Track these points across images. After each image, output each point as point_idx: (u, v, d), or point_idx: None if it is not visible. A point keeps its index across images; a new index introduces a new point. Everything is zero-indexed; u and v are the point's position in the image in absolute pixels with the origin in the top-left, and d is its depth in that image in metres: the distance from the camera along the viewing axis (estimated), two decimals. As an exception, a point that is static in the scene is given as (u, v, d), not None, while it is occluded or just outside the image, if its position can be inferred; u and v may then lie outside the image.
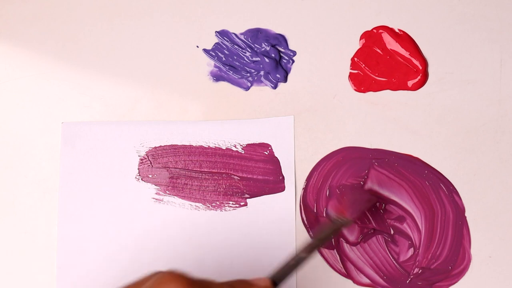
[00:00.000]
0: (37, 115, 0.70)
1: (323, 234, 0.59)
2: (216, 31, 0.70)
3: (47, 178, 0.68)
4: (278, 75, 0.69)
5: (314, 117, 0.68)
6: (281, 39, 0.70)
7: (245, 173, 0.67)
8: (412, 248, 0.65)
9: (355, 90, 0.68)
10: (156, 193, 0.67)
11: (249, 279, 0.50)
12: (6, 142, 0.69)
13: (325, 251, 0.66)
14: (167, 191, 0.67)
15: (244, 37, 0.70)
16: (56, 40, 0.71)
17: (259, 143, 0.68)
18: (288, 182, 0.67)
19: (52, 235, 0.67)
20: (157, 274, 0.45)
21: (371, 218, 0.66)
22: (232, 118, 0.69)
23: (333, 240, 0.66)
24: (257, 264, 0.66)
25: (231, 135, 0.68)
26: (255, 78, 0.69)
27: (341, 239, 0.66)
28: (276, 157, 0.67)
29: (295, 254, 0.55)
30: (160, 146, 0.68)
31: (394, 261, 0.65)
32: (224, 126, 0.68)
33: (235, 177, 0.67)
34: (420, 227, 0.65)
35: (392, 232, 0.66)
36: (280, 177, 0.67)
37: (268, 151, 0.67)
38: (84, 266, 0.66)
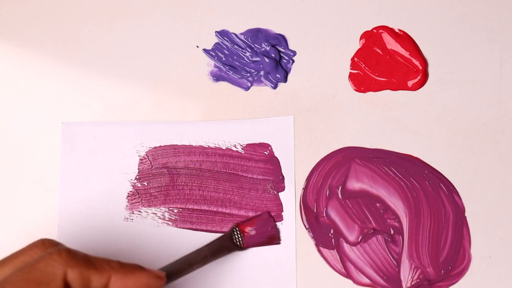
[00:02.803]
0: (37, 115, 0.70)
1: (215, 246, 0.61)
2: (216, 31, 0.70)
3: (47, 178, 0.68)
4: (278, 75, 0.69)
5: (314, 117, 0.68)
6: (281, 39, 0.70)
7: (245, 173, 0.67)
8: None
9: (355, 90, 0.69)
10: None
11: (145, 268, 0.51)
12: (6, 142, 0.69)
13: (325, 251, 0.66)
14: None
15: (244, 37, 0.70)
16: (56, 40, 0.71)
17: (259, 143, 0.68)
18: (288, 182, 0.67)
19: (51, 235, 0.67)
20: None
21: (371, 218, 0.66)
22: (232, 118, 0.69)
23: (332, 240, 0.66)
24: (256, 265, 0.66)
25: (231, 135, 0.68)
26: (255, 78, 0.69)
27: (341, 239, 0.66)
28: (276, 157, 0.67)
29: (188, 257, 0.58)
30: (160, 146, 0.68)
31: (394, 261, 0.65)
32: (224, 126, 0.68)
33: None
34: (404, 229, 0.66)
35: (392, 232, 0.66)
36: (280, 177, 0.67)
37: (268, 151, 0.67)
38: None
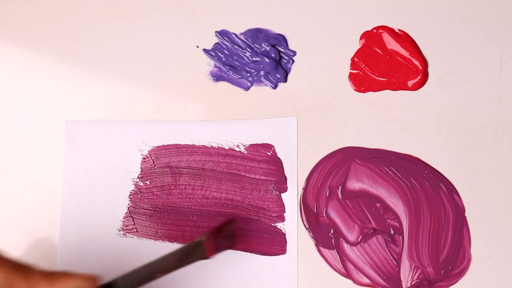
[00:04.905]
0: (37, 115, 0.70)
1: (175, 255, 0.57)
2: (216, 31, 0.70)
3: (48, 178, 0.68)
4: (278, 75, 0.69)
5: (314, 117, 0.68)
6: (281, 39, 0.69)
7: (247, 173, 0.67)
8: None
9: (355, 90, 0.69)
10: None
11: (74, 272, 0.50)
12: (6, 142, 0.69)
13: (325, 251, 0.66)
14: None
15: (244, 37, 0.70)
16: (56, 40, 0.71)
17: (262, 144, 0.68)
18: (291, 183, 0.67)
19: (53, 234, 0.67)
20: None
21: (371, 218, 0.66)
22: (232, 118, 0.69)
23: (332, 240, 0.66)
24: (257, 265, 0.66)
25: (234, 135, 0.68)
26: (255, 78, 0.69)
27: (341, 239, 0.66)
28: (279, 158, 0.67)
29: (150, 264, 0.56)
30: (163, 146, 0.68)
31: (394, 261, 0.65)
32: (227, 126, 0.68)
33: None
34: (404, 229, 0.66)
35: (392, 232, 0.66)
36: (283, 178, 0.67)
37: (271, 152, 0.67)
38: (86, 266, 0.66)
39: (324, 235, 0.66)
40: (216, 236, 0.60)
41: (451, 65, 0.68)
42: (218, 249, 0.60)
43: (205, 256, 0.58)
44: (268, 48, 0.69)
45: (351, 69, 0.69)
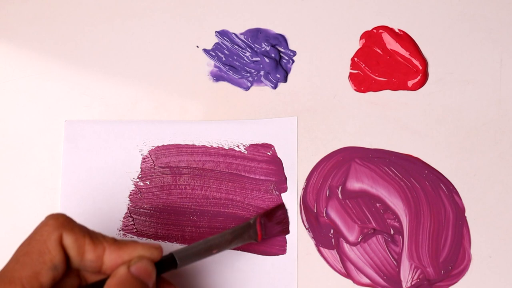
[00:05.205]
0: (37, 115, 0.70)
1: (229, 234, 0.59)
2: (216, 31, 0.70)
3: (48, 178, 0.68)
4: (278, 75, 0.69)
5: (314, 117, 0.68)
6: (281, 39, 0.70)
7: (247, 173, 0.67)
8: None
9: (355, 90, 0.69)
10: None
11: (140, 241, 0.52)
12: (6, 142, 0.69)
13: (325, 251, 0.66)
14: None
15: (244, 37, 0.70)
16: (56, 40, 0.71)
17: (262, 144, 0.68)
18: (291, 183, 0.67)
19: (52, 235, 0.67)
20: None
21: (371, 218, 0.66)
22: (232, 118, 0.69)
23: (332, 240, 0.66)
24: (258, 265, 0.66)
25: (234, 135, 0.68)
26: (255, 78, 0.69)
27: (341, 239, 0.66)
28: (279, 158, 0.67)
29: (207, 240, 0.57)
30: (163, 145, 0.68)
31: (394, 261, 0.65)
32: (227, 126, 0.68)
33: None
34: (404, 229, 0.66)
35: (392, 232, 0.66)
36: (283, 178, 0.67)
37: (271, 152, 0.67)
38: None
39: (324, 235, 0.66)
40: (267, 220, 0.62)
41: (451, 65, 0.68)
42: (268, 233, 0.62)
43: (256, 238, 0.60)
44: (268, 48, 0.69)
45: (351, 69, 0.69)
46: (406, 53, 0.68)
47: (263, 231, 0.61)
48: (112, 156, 0.68)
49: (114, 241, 0.51)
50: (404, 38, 0.69)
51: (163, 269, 0.53)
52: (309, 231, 0.66)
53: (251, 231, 0.60)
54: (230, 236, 0.59)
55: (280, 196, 0.67)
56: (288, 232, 0.65)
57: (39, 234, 0.49)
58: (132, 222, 0.67)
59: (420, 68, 0.68)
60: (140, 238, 0.67)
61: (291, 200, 0.67)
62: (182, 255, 0.55)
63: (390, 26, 0.69)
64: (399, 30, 0.69)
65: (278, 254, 0.66)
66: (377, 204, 0.66)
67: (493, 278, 0.65)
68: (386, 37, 0.69)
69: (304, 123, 0.68)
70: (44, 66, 0.70)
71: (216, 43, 0.70)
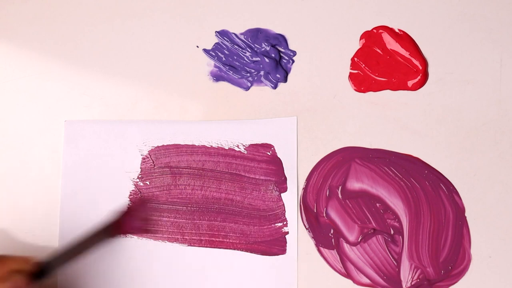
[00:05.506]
0: (37, 115, 0.70)
1: (91, 234, 0.61)
2: (216, 31, 0.70)
3: (48, 178, 0.68)
4: (278, 75, 0.69)
5: (314, 117, 0.68)
6: (281, 39, 0.70)
7: (247, 173, 0.67)
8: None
9: (355, 90, 0.69)
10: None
11: (10, 255, 0.54)
12: (6, 141, 0.69)
13: (325, 251, 0.66)
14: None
15: (244, 37, 0.70)
16: (56, 40, 0.71)
17: (262, 144, 0.68)
18: (290, 183, 0.67)
19: (53, 234, 0.67)
20: None
21: (371, 218, 0.66)
22: (232, 118, 0.69)
23: (332, 240, 0.66)
24: (258, 265, 0.66)
25: (234, 135, 0.68)
26: (255, 78, 0.69)
27: (341, 239, 0.66)
28: (279, 158, 0.67)
29: (72, 245, 0.60)
30: (163, 146, 0.68)
31: (394, 261, 0.65)
32: (226, 126, 0.68)
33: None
34: (404, 229, 0.66)
35: (392, 232, 0.66)
36: (283, 178, 0.67)
37: (270, 152, 0.67)
38: (86, 265, 0.66)
39: (324, 235, 0.66)
40: (126, 216, 0.64)
41: (451, 65, 0.68)
42: (126, 229, 0.64)
43: (111, 235, 0.63)
44: (268, 48, 0.69)
45: (351, 69, 0.69)
46: (406, 53, 0.68)
47: (119, 228, 0.63)
48: (112, 156, 0.68)
49: None
50: (404, 38, 0.69)
51: (39, 278, 0.56)
52: (309, 231, 0.66)
53: (107, 229, 0.62)
54: (91, 233, 0.61)
55: (280, 196, 0.67)
56: (149, 228, 0.66)
57: None
58: (132, 222, 0.68)
59: (420, 68, 0.68)
60: (140, 238, 0.67)
61: (291, 200, 0.67)
62: (52, 261, 0.57)
63: (390, 26, 0.69)
64: (399, 30, 0.69)
65: (278, 254, 0.66)
66: (377, 204, 0.66)
67: (493, 278, 0.65)
68: (386, 37, 0.69)
69: (304, 123, 0.68)
70: (44, 66, 0.70)
71: (216, 43, 0.70)
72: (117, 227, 0.63)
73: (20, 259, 0.53)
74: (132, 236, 0.66)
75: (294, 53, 0.69)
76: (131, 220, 0.64)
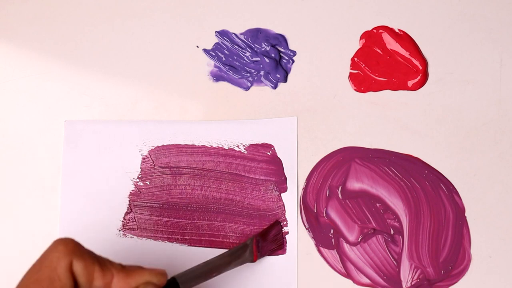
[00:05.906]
0: (37, 115, 0.70)
1: (226, 257, 0.61)
2: (216, 31, 0.70)
3: (48, 178, 0.68)
4: (278, 75, 0.69)
5: (314, 117, 0.68)
6: (281, 39, 0.69)
7: (247, 173, 0.67)
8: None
9: (355, 90, 0.69)
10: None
11: (146, 266, 0.53)
12: (6, 141, 0.69)
13: (325, 251, 0.66)
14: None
15: (244, 37, 0.70)
16: (56, 40, 0.71)
17: (262, 144, 0.68)
18: (290, 183, 0.67)
19: (53, 234, 0.67)
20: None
21: (371, 218, 0.66)
22: (232, 118, 0.69)
23: (332, 240, 0.66)
24: (258, 265, 0.66)
25: (234, 135, 0.68)
26: (255, 78, 0.69)
27: (341, 239, 0.66)
28: (279, 158, 0.67)
29: (207, 263, 0.59)
30: (163, 146, 0.68)
31: (394, 261, 0.65)
32: (227, 126, 0.68)
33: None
34: (404, 229, 0.66)
35: (392, 232, 0.66)
36: (283, 178, 0.67)
37: (270, 152, 0.67)
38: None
39: (324, 235, 0.66)
40: (262, 240, 0.64)
41: (451, 65, 0.68)
42: (263, 252, 0.64)
43: (252, 259, 0.62)
44: (268, 48, 0.69)
45: (351, 69, 0.69)
46: (406, 53, 0.68)
47: (259, 253, 0.63)
48: (112, 156, 0.68)
49: (121, 268, 0.51)
50: (404, 38, 0.69)
51: None
52: (309, 231, 0.66)
53: (247, 252, 0.62)
54: (229, 258, 0.61)
55: (280, 196, 0.67)
56: (282, 248, 0.66)
57: (49, 260, 0.49)
58: (132, 222, 0.67)
59: (420, 68, 0.68)
60: (140, 238, 0.67)
61: (291, 200, 0.67)
62: (184, 279, 0.56)
63: (390, 26, 0.69)
64: (399, 30, 0.69)
65: (278, 254, 0.66)
66: (377, 204, 0.66)
67: (493, 278, 0.65)
68: (386, 37, 0.69)
69: (304, 123, 0.68)
70: (44, 66, 0.70)
71: (216, 43, 0.70)
72: (251, 252, 0.62)
73: (156, 271, 0.52)
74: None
75: (294, 53, 0.69)
76: (267, 244, 0.64)
